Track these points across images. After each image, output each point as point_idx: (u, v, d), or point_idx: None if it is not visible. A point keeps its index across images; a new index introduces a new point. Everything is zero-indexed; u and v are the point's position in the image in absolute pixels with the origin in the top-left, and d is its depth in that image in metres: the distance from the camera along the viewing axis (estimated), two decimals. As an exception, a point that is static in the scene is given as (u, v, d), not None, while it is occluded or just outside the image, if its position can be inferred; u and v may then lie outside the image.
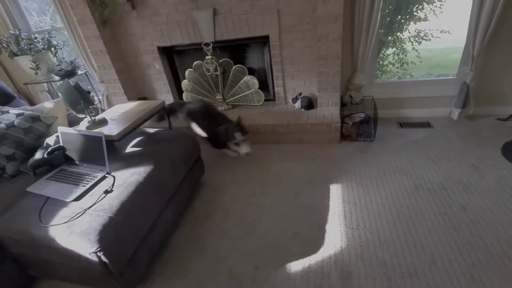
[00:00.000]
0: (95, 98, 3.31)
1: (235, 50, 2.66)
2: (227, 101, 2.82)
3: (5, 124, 1.62)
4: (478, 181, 1.72)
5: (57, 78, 2.91)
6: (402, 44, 3.31)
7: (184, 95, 2.95)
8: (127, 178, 1.42)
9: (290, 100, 2.61)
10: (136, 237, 1.30)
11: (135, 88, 3.04)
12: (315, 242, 1.47)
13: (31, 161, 1.54)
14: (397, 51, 3.39)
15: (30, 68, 2.90)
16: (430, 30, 3.19)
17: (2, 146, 1.56)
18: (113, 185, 1.39)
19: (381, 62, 3.11)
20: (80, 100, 1.49)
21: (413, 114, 2.60)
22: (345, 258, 1.36)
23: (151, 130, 1.94)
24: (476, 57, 2.15)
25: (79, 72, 3.01)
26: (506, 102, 2.35)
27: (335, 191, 1.80)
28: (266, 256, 1.43)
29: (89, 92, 1.61)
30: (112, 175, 1.47)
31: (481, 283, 1.16)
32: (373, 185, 1.81)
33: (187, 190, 1.81)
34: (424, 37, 3.23)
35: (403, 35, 3.27)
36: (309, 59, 2.39)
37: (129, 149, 1.72)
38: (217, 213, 1.77)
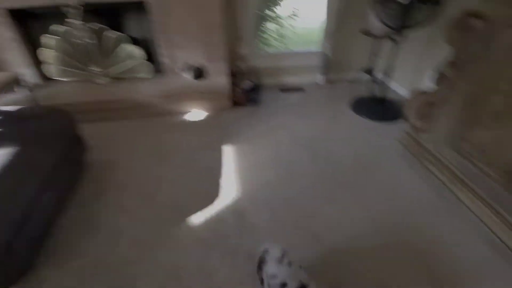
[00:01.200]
0: None
1: (111, 15, 2.39)
2: (110, 74, 2.54)
3: None
4: (335, 129, 2.22)
5: None
6: (280, 20, 3.73)
7: (44, 68, 2.46)
8: (-20, 164, 1.17)
9: (180, 71, 2.59)
10: (8, 227, 1.12)
11: (-25, 60, 2.36)
12: (213, 196, 1.61)
13: None
14: (278, 26, 3.80)
15: None
16: (298, 9, 3.71)
17: None
18: (-41, 173, 1.13)
19: (264, 36, 3.42)
20: None
21: (289, 81, 3.02)
22: (239, 203, 1.57)
23: (9, 108, 1.60)
24: (332, 33, 2.65)
25: None
26: (352, 68, 3.02)
27: (230, 152, 1.98)
28: (167, 218, 1.49)
29: None
30: (-44, 163, 1.18)
31: (337, 200, 1.58)
32: (260, 142, 2.08)
33: (69, 171, 1.63)
34: (295, 15, 3.73)
35: (277, 10, 3.67)
36: (194, 28, 2.39)
37: (-22, 131, 1.39)
38: (110, 190, 1.68)
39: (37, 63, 2.49)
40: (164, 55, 2.52)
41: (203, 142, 2.08)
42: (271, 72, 2.92)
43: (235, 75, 2.76)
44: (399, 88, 2.74)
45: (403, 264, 1.25)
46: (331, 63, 2.86)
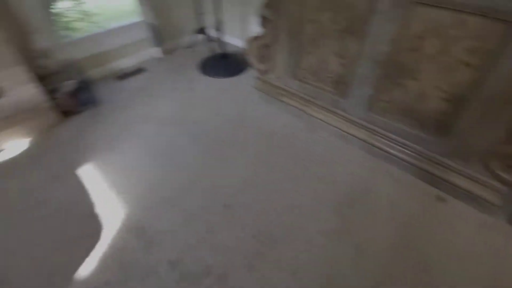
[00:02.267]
0: None
1: None
2: None
3: None
4: (195, 98, 2.14)
5: None
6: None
7: None
8: None
9: (-49, 99, 1.73)
10: None
11: None
12: (95, 231, 1.29)
13: None
14: (75, 2, 3.03)
15: None
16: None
17: None
18: None
19: (63, 20, 2.68)
20: None
21: (124, 64, 2.61)
22: (133, 220, 1.32)
23: None
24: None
25: None
26: (185, 31, 2.88)
27: (89, 174, 1.58)
28: (43, 292, 1.09)
29: None
30: None
31: (227, 161, 1.58)
32: (122, 144, 1.76)
33: None
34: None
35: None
36: None
37: None
38: None
39: None
40: None
41: (44, 179, 1.55)
42: (94, 61, 2.40)
43: (45, 78, 2.11)
44: (235, 40, 2.86)
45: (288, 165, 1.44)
46: (162, 32, 2.61)
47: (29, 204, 1.41)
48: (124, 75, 2.49)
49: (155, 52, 2.72)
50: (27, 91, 1.88)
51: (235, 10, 2.58)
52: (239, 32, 2.73)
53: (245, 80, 2.30)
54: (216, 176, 1.52)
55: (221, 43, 2.46)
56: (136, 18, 2.59)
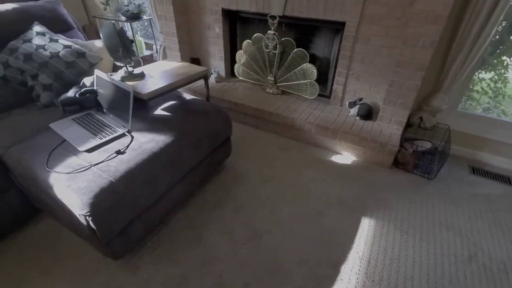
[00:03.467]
0: (153, 47, 3.29)
1: (301, 31, 2.34)
2: (278, 84, 2.56)
3: (50, 52, 1.59)
4: (561, 279, 1.29)
5: (123, 18, 2.91)
6: (502, 71, 2.66)
7: (235, 66, 2.75)
8: (143, 144, 1.31)
9: (347, 104, 2.27)
10: (134, 210, 1.19)
11: (190, 47, 2.92)
12: (324, 280, 1.24)
13: (63, 97, 1.51)
14: (495, 78, 2.75)
15: (101, 2, 2.93)
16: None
17: (41, 74, 1.55)
18: (127, 146, 1.29)
19: (471, 86, 2.54)
20: (120, 47, 1.38)
21: (493, 161, 2.09)
22: (352, 314, 1.12)
23: (188, 97, 1.80)
24: None
25: (144, 17, 2.98)
26: None
27: (366, 225, 1.51)
28: (262, 275, 1.25)
29: (132, 41, 1.49)
30: (131, 135, 1.37)
31: None
32: (416, 235, 1.48)
33: (205, 171, 1.67)
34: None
35: (510, 60, 2.61)
36: (384, 62, 1.99)
37: (159, 111, 1.61)
38: (227, 205, 1.61)
39: (231, 60, 2.82)
40: (338, 82, 2.26)
41: (341, 196, 1.70)
42: (468, 140, 2.11)
43: (412, 128, 2.16)
44: None
45: None
46: None
47: (318, 203, 1.63)
48: (480, 170, 2.01)
49: (550, 174, 1.91)
50: (391, 129, 2.04)
51: None
52: None
53: None
54: None
55: None
56: None
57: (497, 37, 2.08)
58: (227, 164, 1.93)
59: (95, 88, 1.53)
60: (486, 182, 1.90)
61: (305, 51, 2.26)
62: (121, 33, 1.39)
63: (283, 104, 2.39)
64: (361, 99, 2.17)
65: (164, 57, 3.17)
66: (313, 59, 2.35)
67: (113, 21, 2.51)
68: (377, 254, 1.37)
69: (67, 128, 1.38)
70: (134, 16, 2.89)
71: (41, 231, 1.44)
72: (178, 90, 1.84)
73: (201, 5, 2.60)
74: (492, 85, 2.68)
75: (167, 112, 1.60)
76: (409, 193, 1.76)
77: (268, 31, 2.28)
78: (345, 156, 2.10)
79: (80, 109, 1.54)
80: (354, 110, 2.19)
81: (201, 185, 1.74)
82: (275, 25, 2.24)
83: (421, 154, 1.97)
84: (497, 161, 2.07)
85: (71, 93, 1.51)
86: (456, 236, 1.48)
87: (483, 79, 2.62)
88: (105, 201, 1.07)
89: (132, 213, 1.19)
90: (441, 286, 1.24)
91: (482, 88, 2.69)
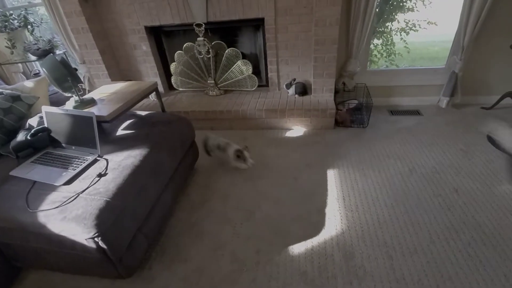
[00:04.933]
0: (75, 80, 3.11)
1: (228, 32, 2.57)
2: (219, 86, 2.74)
3: (-19, 103, 1.46)
4: (467, 165, 1.79)
5: (33, 58, 2.70)
6: (388, 36, 3.36)
7: (172, 79, 2.83)
8: (122, 161, 1.34)
9: (284, 86, 2.58)
10: (135, 221, 1.23)
11: (119, 70, 2.88)
12: (316, 224, 1.47)
13: (13, 143, 1.41)
14: (385, 42, 3.44)
15: (6, 47, 2.66)
16: (418, 21, 3.26)
17: (-22, 127, 1.41)
18: (106, 168, 1.31)
19: (370, 52, 3.14)
20: (68, 76, 1.37)
21: (403, 102, 2.66)
22: (346, 239, 1.37)
23: (143, 113, 1.84)
24: (465, 47, 2.21)
25: (58, 52, 2.81)
26: (490, 92, 2.45)
27: (333, 175, 1.81)
28: (268, 239, 1.42)
29: (76, 69, 1.48)
30: (105, 158, 1.38)
31: (478, 259, 1.22)
32: (369, 169, 1.84)
33: (183, 174, 1.75)
34: (413, 28, 3.29)
35: (392, 25, 3.31)
36: (304, 44, 2.35)
37: (121, 131, 1.63)
38: (215, 198, 1.72)
39: (166, 74, 2.87)
40: (271, 70, 2.55)
41: (304, 162, 1.97)
42: (380, 91, 2.63)
43: (339, 92, 2.59)
44: None
45: None
46: (460, 84, 2.38)
47: (289, 173, 1.86)
48: (396, 111, 2.54)
49: (440, 100, 2.54)
50: (325, 97, 2.42)
51: None
52: None
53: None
54: (453, 264, 1.21)
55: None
56: (440, 64, 2.52)
57: (378, 9, 2.65)
58: (198, 166, 2.03)
59: (45, 125, 1.47)
60: (403, 118, 2.42)
61: (237, 49, 2.49)
62: (64, 62, 1.38)
63: (229, 101, 2.57)
64: (295, 79, 2.50)
65: (90, 87, 3.03)
66: (245, 55, 2.59)
67: (51, 54, 2.33)
68: (348, 192, 1.67)
69: (31, 171, 1.31)
70: (46, 53, 2.70)
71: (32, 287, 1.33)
72: (131, 110, 1.86)
73: (120, 27, 2.60)
74: (384, 47, 3.36)
75: (130, 130, 1.63)
76: (353, 141, 2.15)
77: (198, 39, 2.44)
78: (296, 130, 2.40)
79: (34, 151, 1.46)
80: (292, 90, 2.51)
81: (183, 190, 1.80)
82: (203, 32, 2.41)
83: (352, 111, 2.39)
84: (405, 101, 2.65)
85: (20, 137, 1.42)
86: (396, 160, 1.90)
87: (378, 44, 3.26)
88: (108, 219, 1.09)
89: (134, 225, 1.22)
90: (398, 196, 1.59)
91: (378, 52, 3.35)
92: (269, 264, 1.29)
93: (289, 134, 2.35)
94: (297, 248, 1.35)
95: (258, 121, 2.43)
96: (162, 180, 1.45)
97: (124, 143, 1.49)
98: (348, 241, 1.36)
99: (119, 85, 1.89)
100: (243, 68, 2.55)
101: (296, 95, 2.50)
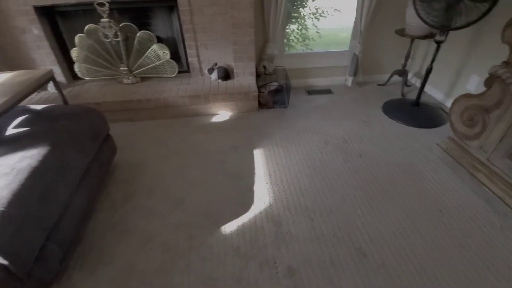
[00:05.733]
0: None
1: (138, 13, 2.36)
2: (134, 73, 2.52)
3: None
4: (368, 133, 2.11)
5: None
6: (302, 21, 3.62)
7: (76, 66, 2.48)
8: (16, 164, 1.14)
9: (206, 71, 2.54)
10: (42, 229, 1.07)
11: (7, 59, 2.37)
12: (246, 202, 1.54)
13: None
14: (300, 27, 3.69)
15: None
16: (325, 8, 3.59)
17: None
18: (-7, 174, 1.09)
19: (287, 37, 3.33)
20: None
21: (317, 83, 2.92)
22: (274, 210, 1.48)
23: (39, 107, 1.58)
24: (362, 32, 2.54)
25: None
26: (383, 71, 2.88)
27: (259, 154, 1.90)
28: (199, 224, 1.42)
29: None
30: (-10, 163, 1.15)
31: (377, 209, 1.47)
32: (291, 145, 1.99)
33: (99, 172, 1.58)
34: (322, 14, 3.61)
35: (304, 11, 3.56)
36: (222, 27, 2.34)
37: (11, 130, 1.37)
38: (139, 193, 1.63)
39: (68, 62, 2.49)
40: (191, 55, 2.47)
41: (230, 144, 2.01)
42: (298, 73, 2.82)
43: (261, 76, 2.69)
44: (435, 91, 2.59)
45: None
46: (361, 64, 2.73)
47: (216, 157, 1.87)
48: (312, 91, 2.79)
49: (346, 80, 2.88)
50: (248, 80, 2.48)
51: (451, 62, 2.33)
52: (446, 85, 2.44)
53: (428, 136, 2.04)
54: (359, 216, 1.44)
55: (418, 90, 2.29)
56: (344, 48, 2.84)
57: (288, -7, 2.77)
58: (119, 162, 1.87)
59: None
60: (318, 97, 2.67)
61: (150, 33, 2.32)
62: None
63: (148, 89, 2.40)
64: (216, 64, 2.48)
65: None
66: (162, 39, 2.44)
67: None
68: (273, 168, 1.78)
69: None
70: None
71: None
72: (23, 105, 1.57)
73: (3, 8, 2.12)
74: (299, 32, 3.58)
75: (24, 127, 1.39)
76: (276, 121, 2.28)
77: (102, 20, 2.18)
78: (222, 114, 2.41)
79: None
80: (214, 75, 2.48)
81: (101, 189, 1.64)
82: (107, 12, 2.15)
83: (274, 93, 2.52)
84: (319, 81, 2.91)
85: None
86: (313, 135, 2.10)
87: (294, 29, 3.45)
88: (5, 231, 0.93)
89: (41, 234, 1.07)
90: (316, 166, 1.78)
91: (295, 37, 3.56)
92: (202, 247, 1.31)
93: (215, 119, 2.35)
94: (229, 227, 1.40)
95: (182, 108, 2.35)
96: (72, 180, 1.29)
97: (16, 144, 1.26)
98: (276, 212, 1.47)
99: (4, 76, 1.57)
100: (159, 52, 2.40)
101: (219, 80, 2.49)
